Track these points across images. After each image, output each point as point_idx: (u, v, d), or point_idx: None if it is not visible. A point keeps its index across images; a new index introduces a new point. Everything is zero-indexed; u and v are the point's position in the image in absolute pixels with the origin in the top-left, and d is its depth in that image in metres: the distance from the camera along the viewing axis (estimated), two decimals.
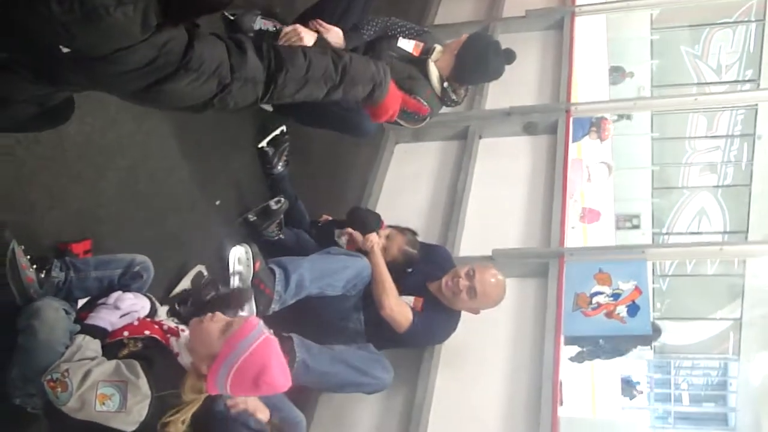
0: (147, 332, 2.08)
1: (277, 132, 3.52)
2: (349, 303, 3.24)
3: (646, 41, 14.00)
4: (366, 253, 3.32)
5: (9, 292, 1.96)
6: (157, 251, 2.42)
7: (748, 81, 13.91)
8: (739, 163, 14.63)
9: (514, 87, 4.94)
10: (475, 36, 3.55)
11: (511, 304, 3.78)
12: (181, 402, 1.97)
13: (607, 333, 4.29)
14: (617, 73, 13.42)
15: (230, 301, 2.47)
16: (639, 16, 12.41)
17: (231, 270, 2.71)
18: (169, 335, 2.11)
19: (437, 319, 3.33)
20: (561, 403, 3.47)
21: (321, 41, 3.12)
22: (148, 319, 2.16)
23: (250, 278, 2.75)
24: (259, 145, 3.47)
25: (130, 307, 2.10)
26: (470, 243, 4.18)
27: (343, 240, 3.48)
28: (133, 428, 1.89)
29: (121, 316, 2.07)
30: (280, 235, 3.40)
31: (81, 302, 2.15)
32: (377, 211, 4.05)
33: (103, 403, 1.84)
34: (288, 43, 3.03)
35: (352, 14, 3.42)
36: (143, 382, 1.89)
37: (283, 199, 3.36)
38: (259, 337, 2.00)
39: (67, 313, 2.01)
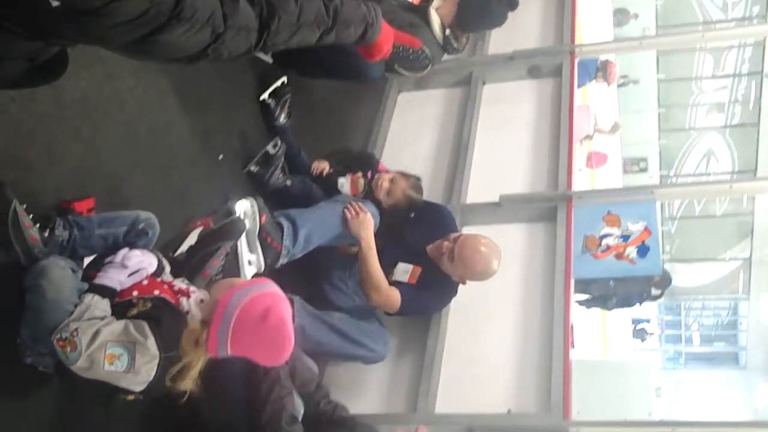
0: (156, 292, 2.06)
1: (278, 84, 3.47)
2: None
3: None
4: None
5: (13, 252, 1.94)
6: (161, 207, 2.38)
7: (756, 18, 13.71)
8: (747, 101, 14.49)
9: (517, 31, 4.88)
10: None
11: (521, 249, 3.79)
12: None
13: (617, 274, 4.29)
14: (621, 15, 13.25)
15: (222, 234, 2.45)
16: None
17: None
18: (179, 295, 2.10)
19: (428, 294, 3.33)
20: (573, 346, 3.48)
21: None
22: (158, 279, 2.15)
23: (257, 231, 2.74)
24: (261, 98, 3.42)
25: (138, 264, 2.08)
26: (477, 190, 4.15)
27: (346, 187, 3.48)
28: (142, 388, 1.89)
29: (130, 275, 2.05)
30: (287, 181, 3.38)
31: (87, 261, 2.13)
32: (382, 161, 4.02)
33: (112, 363, 1.84)
34: None
35: None
36: (152, 342, 1.88)
37: (279, 141, 3.33)
38: (274, 287, 2.03)
39: (73, 271, 2.00)
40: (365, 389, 3.45)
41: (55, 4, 1.34)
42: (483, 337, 3.51)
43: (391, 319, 3.38)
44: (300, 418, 2.38)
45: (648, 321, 14.76)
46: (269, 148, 3.30)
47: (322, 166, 3.56)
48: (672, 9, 14.15)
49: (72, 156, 2.32)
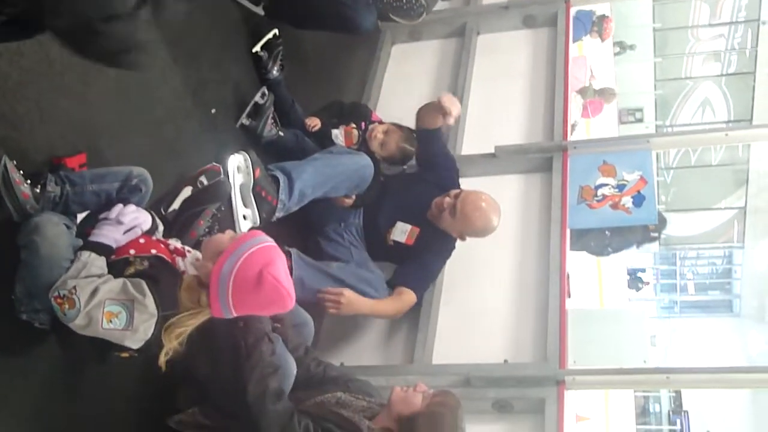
0: (153, 251, 2.06)
1: (270, 36, 3.42)
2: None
3: None
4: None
5: (5, 210, 1.93)
6: (154, 163, 2.36)
7: None
8: (743, 50, 14.37)
9: None
10: None
11: (516, 200, 3.79)
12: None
13: (613, 224, 4.29)
14: None
15: (207, 196, 2.43)
16: None
17: (231, 179, 2.68)
18: (175, 255, 2.09)
19: (430, 259, 3.37)
20: (569, 296, 3.50)
21: None
22: (154, 238, 2.14)
23: (252, 186, 2.73)
24: (253, 50, 3.38)
25: (133, 221, 2.07)
26: (472, 141, 4.15)
27: (340, 139, 3.48)
28: (139, 346, 1.90)
29: (125, 232, 2.04)
30: (280, 132, 3.36)
31: (80, 217, 2.12)
32: (377, 112, 3.99)
33: (110, 321, 1.84)
34: None
35: None
36: (150, 301, 1.89)
37: (266, 90, 3.30)
38: (266, 241, 2.02)
39: (67, 227, 1.99)
40: (362, 342, 3.47)
41: None
42: (479, 288, 3.53)
43: (388, 271, 3.39)
44: (292, 381, 2.39)
45: (643, 271, 14.84)
46: (257, 98, 3.27)
47: (314, 123, 3.54)
48: None
49: (62, 111, 2.28)
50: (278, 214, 2.87)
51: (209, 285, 1.95)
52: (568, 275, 3.49)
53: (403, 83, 4.64)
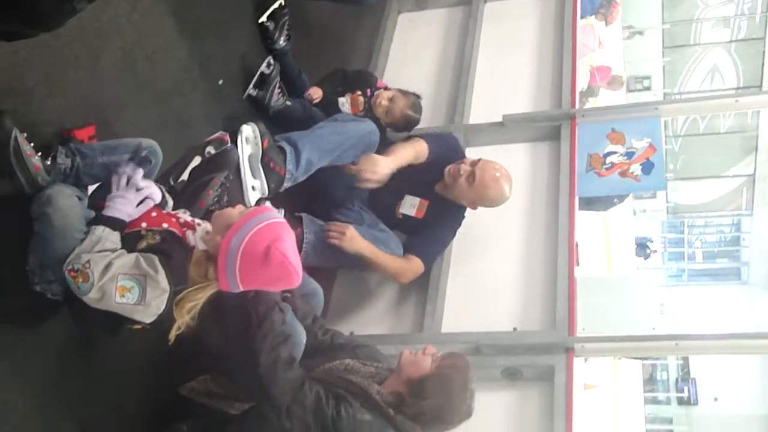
0: (165, 225, 2.08)
1: (276, 5, 3.41)
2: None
3: None
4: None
5: (17, 182, 1.94)
6: (162, 134, 2.37)
7: None
8: (753, 15, 14.21)
9: None
10: None
11: (525, 169, 3.78)
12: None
13: (622, 192, 4.29)
14: None
15: (215, 165, 2.44)
16: None
17: (240, 150, 2.68)
18: (185, 229, 2.11)
19: (440, 230, 3.37)
20: (577, 264, 3.50)
21: None
22: (165, 212, 2.15)
23: (260, 156, 2.73)
24: (259, 21, 3.36)
25: (145, 192, 2.08)
26: (480, 110, 4.12)
27: (347, 107, 3.48)
28: (151, 320, 1.92)
29: (138, 205, 2.06)
30: (287, 102, 3.36)
31: (91, 189, 2.14)
32: (384, 81, 3.98)
33: (123, 296, 1.87)
34: None
35: None
36: (162, 276, 1.91)
37: (272, 59, 3.31)
38: (275, 216, 2.02)
39: (79, 199, 2.00)
40: (372, 311, 3.49)
41: None
42: (488, 256, 3.54)
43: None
44: (302, 349, 2.41)
45: (651, 240, 14.83)
46: (263, 68, 3.27)
47: (317, 94, 3.54)
48: None
49: (71, 84, 2.29)
50: (286, 184, 2.87)
51: (217, 258, 1.97)
52: (576, 243, 3.49)
53: (410, 52, 4.61)
